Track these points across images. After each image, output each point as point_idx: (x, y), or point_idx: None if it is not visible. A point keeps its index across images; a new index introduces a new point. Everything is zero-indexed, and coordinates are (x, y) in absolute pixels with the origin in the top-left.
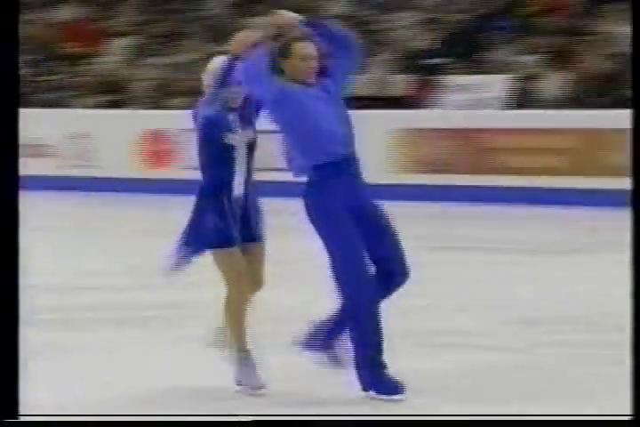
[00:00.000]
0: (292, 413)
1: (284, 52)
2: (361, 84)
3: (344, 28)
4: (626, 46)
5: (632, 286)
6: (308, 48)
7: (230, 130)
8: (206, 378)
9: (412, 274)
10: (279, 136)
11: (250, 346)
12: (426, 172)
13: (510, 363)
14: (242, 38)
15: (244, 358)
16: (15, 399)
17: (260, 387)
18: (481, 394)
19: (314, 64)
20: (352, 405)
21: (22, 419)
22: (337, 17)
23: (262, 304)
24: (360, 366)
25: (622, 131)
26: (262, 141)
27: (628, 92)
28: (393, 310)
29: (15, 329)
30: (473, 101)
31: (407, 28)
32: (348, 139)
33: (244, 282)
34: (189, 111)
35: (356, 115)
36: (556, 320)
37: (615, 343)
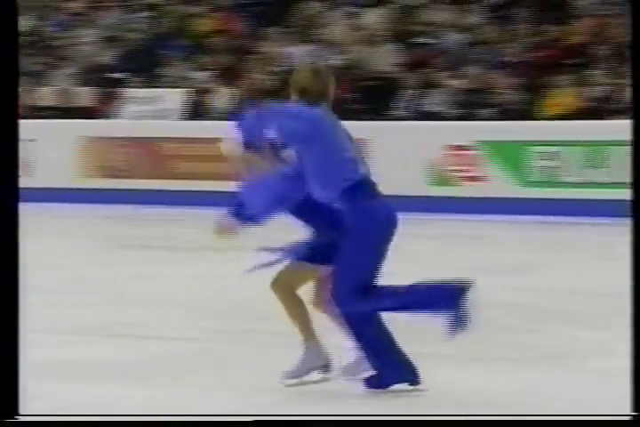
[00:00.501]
0: (292, 413)
1: None
2: (46, 95)
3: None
4: (285, 64)
5: (632, 287)
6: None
7: None
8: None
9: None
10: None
11: (318, 337)
12: (109, 177)
13: (194, 350)
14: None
15: (313, 347)
16: (15, 400)
17: (329, 368)
18: (154, 378)
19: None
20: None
21: (22, 419)
22: (20, 33)
23: None
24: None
25: None
26: None
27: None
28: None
29: (15, 329)
30: (151, 112)
31: (89, 45)
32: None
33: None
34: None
35: (44, 124)
36: (229, 311)
37: (258, 331)
